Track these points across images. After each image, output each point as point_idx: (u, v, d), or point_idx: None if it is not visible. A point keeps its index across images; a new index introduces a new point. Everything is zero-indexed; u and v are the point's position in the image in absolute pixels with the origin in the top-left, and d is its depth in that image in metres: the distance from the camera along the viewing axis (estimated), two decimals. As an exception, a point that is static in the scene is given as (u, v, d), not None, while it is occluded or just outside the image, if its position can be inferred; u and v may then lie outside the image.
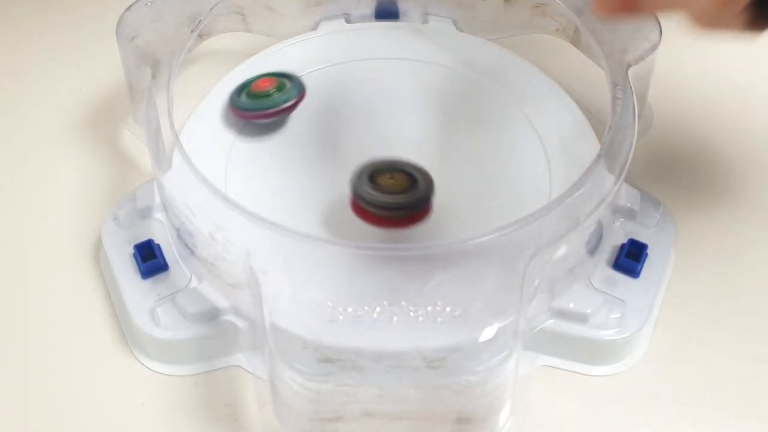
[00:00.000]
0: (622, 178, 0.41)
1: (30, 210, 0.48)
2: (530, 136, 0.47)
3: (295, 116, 0.48)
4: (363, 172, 0.42)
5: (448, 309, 0.38)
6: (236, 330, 0.41)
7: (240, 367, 0.42)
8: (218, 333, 0.42)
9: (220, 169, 0.46)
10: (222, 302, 0.41)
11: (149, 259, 0.43)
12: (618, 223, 0.45)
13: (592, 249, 0.42)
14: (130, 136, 0.50)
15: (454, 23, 0.53)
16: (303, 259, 0.38)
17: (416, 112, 0.49)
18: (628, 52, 0.46)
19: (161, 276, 0.43)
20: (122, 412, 0.41)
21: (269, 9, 0.52)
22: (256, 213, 0.39)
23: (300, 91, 0.48)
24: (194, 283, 0.42)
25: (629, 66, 0.45)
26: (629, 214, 0.45)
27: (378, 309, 0.38)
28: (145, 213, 0.45)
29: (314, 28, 0.53)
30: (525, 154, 0.47)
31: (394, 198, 0.42)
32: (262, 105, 0.47)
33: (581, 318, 0.41)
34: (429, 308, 0.38)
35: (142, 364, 0.42)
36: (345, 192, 0.45)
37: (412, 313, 0.37)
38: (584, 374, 0.42)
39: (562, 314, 0.41)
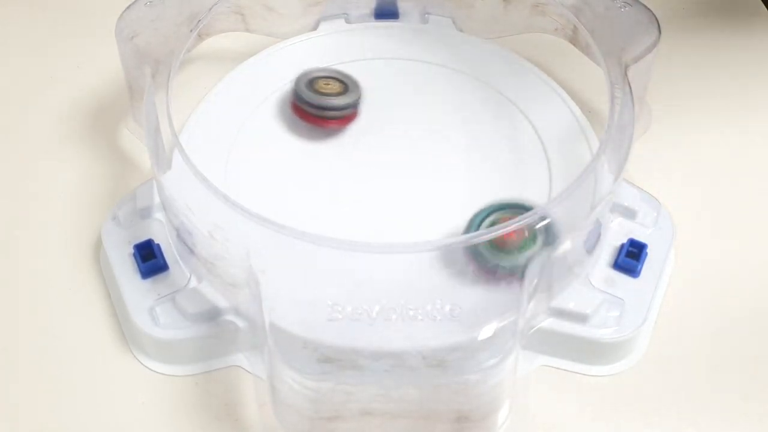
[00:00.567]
0: (621, 177, 0.41)
1: (30, 210, 0.48)
2: (529, 135, 0.47)
3: (296, 116, 0.48)
4: (302, 78, 0.48)
5: (447, 308, 0.38)
6: (236, 330, 0.41)
7: (240, 367, 0.42)
8: (218, 333, 0.42)
9: (220, 169, 0.46)
10: (222, 302, 0.41)
11: (149, 258, 0.43)
12: (617, 223, 0.45)
13: (591, 248, 0.42)
14: (130, 136, 0.50)
15: (454, 23, 0.53)
16: (302, 258, 0.38)
17: (416, 111, 0.49)
18: (627, 51, 0.46)
19: (161, 276, 0.43)
20: (122, 412, 0.41)
21: (269, 9, 0.52)
22: (256, 212, 0.39)
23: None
24: (194, 282, 0.42)
25: (628, 65, 0.45)
26: (628, 214, 0.45)
27: (377, 308, 0.38)
28: (145, 213, 0.45)
29: (314, 27, 0.53)
30: (524, 153, 0.47)
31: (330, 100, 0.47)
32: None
33: (581, 318, 0.41)
34: (428, 307, 0.38)
35: (142, 364, 0.42)
36: (345, 191, 0.45)
37: (411, 312, 0.38)
38: (584, 374, 0.42)
39: (561, 314, 0.41)
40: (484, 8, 0.53)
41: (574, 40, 0.51)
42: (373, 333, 0.37)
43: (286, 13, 0.53)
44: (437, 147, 0.47)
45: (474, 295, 0.38)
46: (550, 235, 0.39)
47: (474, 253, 0.39)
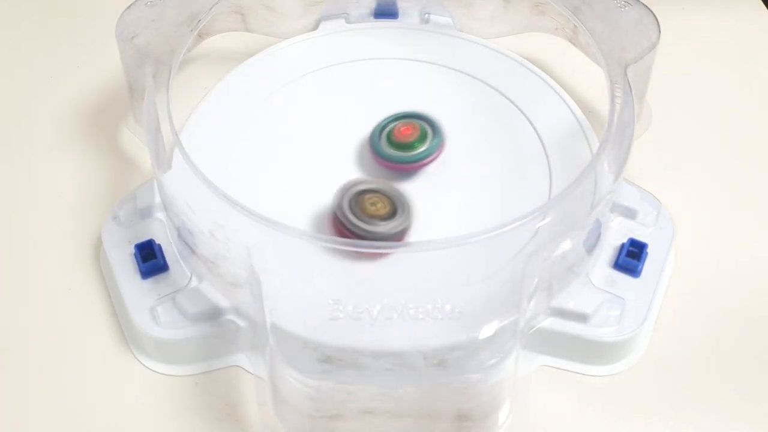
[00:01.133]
0: (621, 176, 0.41)
1: (30, 210, 0.48)
2: (529, 135, 0.47)
3: (296, 116, 0.48)
4: (345, 192, 0.43)
5: (447, 307, 0.38)
6: (237, 329, 0.41)
7: (240, 367, 0.42)
8: (219, 332, 0.42)
9: (220, 169, 0.46)
10: (222, 302, 0.41)
11: (149, 258, 0.43)
12: (617, 222, 0.45)
13: (591, 247, 0.42)
14: (130, 135, 0.50)
15: (454, 22, 0.53)
16: (303, 257, 0.38)
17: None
18: (627, 50, 0.46)
19: (161, 276, 0.43)
20: (122, 413, 0.41)
21: (269, 8, 0.52)
22: (257, 211, 0.39)
23: (440, 142, 0.46)
24: (194, 282, 0.42)
25: (628, 65, 0.45)
26: (628, 213, 0.45)
27: (378, 307, 0.38)
28: (146, 212, 0.45)
29: (314, 27, 0.53)
30: (524, 153, 0.47)
31: (374, 227, 0.42)
32: (404, 158, 0.45)
33: (581, 317, 0.41)
34: (429, 306, 0.38)
35: (142, 364, 0.42)
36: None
37: (412, 311, 0.38)
38: (584, 374, 0.42)
39: (562, 313, 0.41)
40: (484, 8, 0.53)
41: (574, 39, 0.51)
42: (373, 332, 0.37)
43: (286, 13, 0.53)
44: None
45: (474, 294, 0.38)
46: (437, 133, 0.45)
47: (377, 151, 0.45)
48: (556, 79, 0.50)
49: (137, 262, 0.43)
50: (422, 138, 0.45)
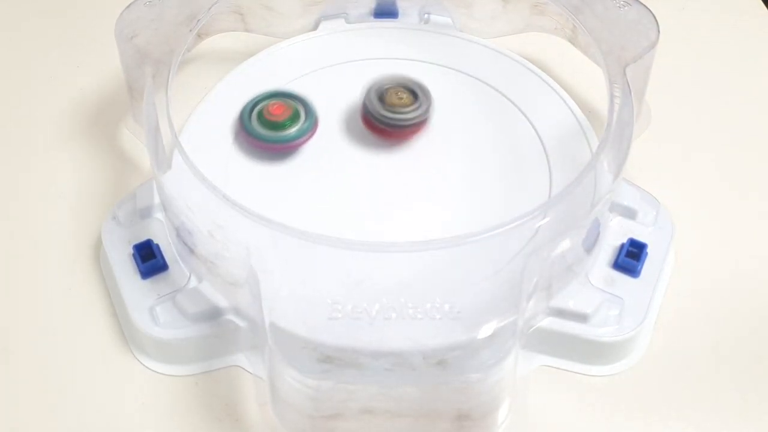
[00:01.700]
0: (621, 176, 0.41)
1: (30, 210, 0.48)
2: (529, 135, 0.47)
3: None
4: (372, 89, 0.47)
5: (447, 307, 0.38)
6: (236, 329, 0.41)
7: (240, 367, 0.42)
8: (218, 332, 0.42)
9: (220, 169, 0.46)
10: (222, 301, 0.41)
11: (149, 258, 0.43)
12: (617, 222, 0.45)
13: (590, 247, 0.42)
14: (130, 135, 0.50)
15: (454, 22, 0.53)
16: (302, 257, 0.38)
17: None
18: (626, 50, 0.46)
19: (161, 276, 0.43)
20: (122, 412, 0.41)
21: (268, 8, 0.52)
22: (256, 211, 0.39)
23: (313, 123, 0.47)
24: (194, 282, 0.42)
25: (627, 64, 0.45)
26: (628, 213, 0.45)
27: (377, 307, 0.38)
28: (145, 213, 0.45)
29: (314, 27, 0.53)
30: (524, 153, 0.47)
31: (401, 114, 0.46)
32: (274, 138, 0.46)
33: (581, 317, 0.41)
34: (428, 306, 0.38)
35: (142, 364, 0.42)
36: (344, 190, 0.45)
37: (411, 311, 0.38)
38: (584, 374, 0.42)
39: (561, 313, 0.41)
40: (484, 8, 0.53)
41: (573, 39, 0.51)
42: (373, 332, 0.37)
43: (285, 13, 0.53)
44: (437, 147, 0.47)
45: (474, 294, 0.38)
46: (310, 114, 0.47)
47: (248, 130, 0.46)
48: (556, 79, 0.50)
49: (137, 262, 0.43)
50: (294, 118, 0.46)
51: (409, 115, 0.46)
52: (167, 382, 0.42)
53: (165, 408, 0.41)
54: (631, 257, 0.43)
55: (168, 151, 0.43)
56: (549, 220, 0.40)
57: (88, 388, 0.42)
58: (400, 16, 0.54)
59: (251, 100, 0.47)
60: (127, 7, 0.47)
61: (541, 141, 0.47)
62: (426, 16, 0.54)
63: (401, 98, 0.46)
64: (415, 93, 0.47)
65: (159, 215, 0.45)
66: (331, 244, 0.38)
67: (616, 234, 0.44)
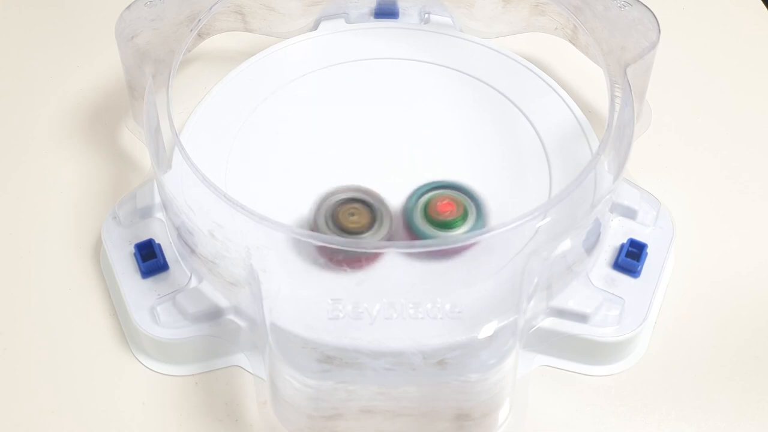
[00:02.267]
0: (621, 176, 0.42)
1: (30, 210, 0.48)
2: (529, 135, 0.47)
3: (296, 116, 0.48)
4: (322, 205, 0.41)
5: (447, 306, 0.38)
6: (236, 329, 0.41)
7: (240, 367, 0.42)
8: (218, 332, 0.42)
9: (220, 169, 0.46)
10: (222, 301, 0.41)
11: (149, 258, 0.43)
12: (617, 222, 0.45)
13: (590, 247, 0.42)
14: (130, 135, 0.50)
15: (454, 22, 0.53)
16: (303, 257, 0.38)
17: (416, 111, 0.49)
18: (627, 50, 0.46)
19: (161, 275, 0.43)
20: (122, 412, 0.41)
21: (269, 8, 0.52)
22: (256, 211, 0.39)
23: (484, 223, 0.42)
24: (194, 282, 0.42)
25: (628, 64, 0.45)
26: (628, 213, 0.45)
27: (377, 307, 0.38)
28: (145, 212, 0.45)
29: (314, 27, 0.53)
30: (524, 153, 0.47)
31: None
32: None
33: (581, 317, 0.41)
34: (428, 306, 0.38)
35: (142, 364, 0.42)
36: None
37: (411, 311, 0.38)
38: (584, 374, 0.42)
39: (561, 313, 0.41)
40: (484, 8, 0.53)
41: (574, 39, 0.51)
42: (373, 332, 0.37)
43: (286, 13, 0.53)
44: (437, 147, 0.47)
45: (474, 294, 0.38)
46: (480, 216, 0.42)
47: (411, 226, 0.41)
48: (556, 79, 0.50)
49: (137, 261, 0.43)
50: (464, 217, 0.42)
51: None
52: (167, 382, 0.42)
53: (165, 408, 0.41)
54: (631, 257, 0.43)
55: (168, 150, 0.43)
56: (549, 220, 0.40)
57: (88, 388, 0.42)
58: (400, 16, 0.54)
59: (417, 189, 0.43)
60: (127, 7, 0.47)
61: (541, 141, 0.47)
62: (426, 16, 0.54)
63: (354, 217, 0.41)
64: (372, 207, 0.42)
65: (159, 215, 0.45)
66: (331, 243, 0.38)
67: (616, 234, 0.44)
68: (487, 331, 0.37)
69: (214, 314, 0.41)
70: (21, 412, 0.41)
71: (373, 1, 0.53)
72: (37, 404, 0.41)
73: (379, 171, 0.46)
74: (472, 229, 0.41)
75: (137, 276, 0.43)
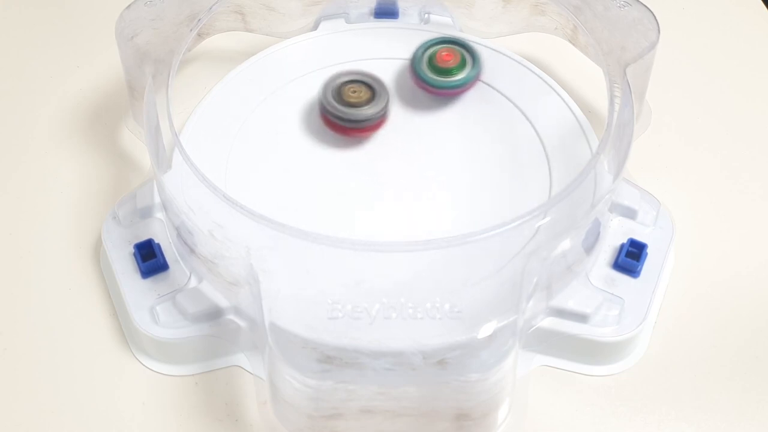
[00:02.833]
0: (621, 176, 0.42)
1: (30, 210, 0.48)
2: (529, 135, 0.47)
3: (296, 116, 0.48)
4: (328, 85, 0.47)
5: (447, 306, 0.38)
6: (236, 329, 0.42)
7: (240, 367, 0.42)
8: (218, 332, 0.42)
9: (220, 168, 0.46)
10: (222, 301, 0.41)
11: (149, 258, 0.43)
12: (617, 222, 0.45)
13: (590, 247, 0.42)
14: (130, 135, 0.50)
15: (454, 22, 0.53)
16: (302, 257, 0.38)
17: (416, 111, 0.49)
18: (627, 50, 0.46)
19: (161, 275, 0.43)
20: (122, 412, 0.41)
21: (269, 8, 0.52)
22: (256, 211, 0.39)
23: (478, 71, 0.49)
24: (194, 282, 0.42)
25: (627, 64, 0.45)
26: (628, 213, 0.45)
27: (377, 307, 0.38)
28: (145, 212, 0.45)
29: (314, 27, 0.53)
30: (524, 153, 0.47)
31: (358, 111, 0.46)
32: (443, 84, 0.48)
33: (581, 317, 0.41)
34: (428, 306, 0.38)
35: (142, 364, 0.42)
36: (345, 190, 0.45)
37: (411, 311, 0.38)
38: (584, 374, 0.42)
39: (561, 313, 0.41)
40: (484, 8, 0.53)
41: (573, 39, 0.51)
42: (373, 331, 0.37)
43: (286, 13, 0.53)
44: (437, 147, 0.47)
45: (474, 294, 0.38)
46: (476, 64, 0.49)
47: (418, 74, 0.48)
48: (556, 79, 0.50)
49: (137, 261, 0.43)
50: (462, 65, 0.49)
51: (367, 112, 0.46)
52: (167, 382, 0.42)
53: (165, 408, 0.41)
54: (631, 257, 0.43)
55: (168, 150, 0.43)
56: (549, 220, 0.40)
57: (88, 388, 0.42)
58: (400, 16, 0.54)
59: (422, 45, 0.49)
60: (127, 7, 0.47)
61: (541, 141, 0.47)
62: (426, 16, 0.54)
63: (357, 94, 0.47)
64: (372, 88, 0.47)
65: (159, 215, 0.45)
66: (331, 243, 0.38)
67: (616, 234, 0.44)
68: (486, 330, 0.37)
69: (214, 314, 0.41)
70: (21, 412, 0.41)
71: (373, 1, 0.53)
72: (37, 404, 0.41)
73: (379, 169, 0.46)
74: (468, 75, 0.48)
75: (137, 276, 0.43)
